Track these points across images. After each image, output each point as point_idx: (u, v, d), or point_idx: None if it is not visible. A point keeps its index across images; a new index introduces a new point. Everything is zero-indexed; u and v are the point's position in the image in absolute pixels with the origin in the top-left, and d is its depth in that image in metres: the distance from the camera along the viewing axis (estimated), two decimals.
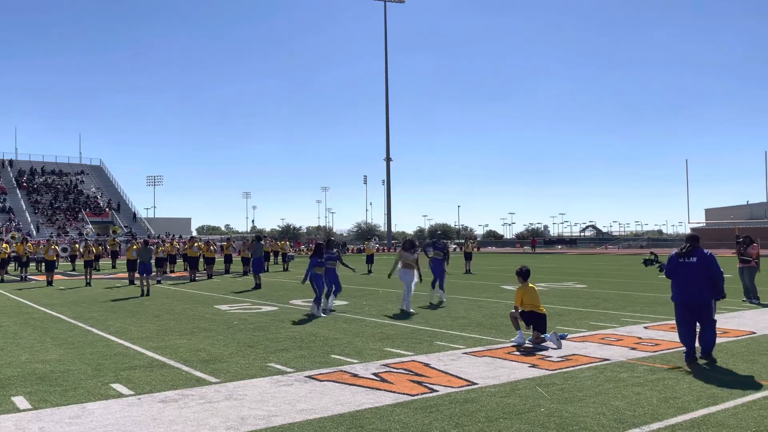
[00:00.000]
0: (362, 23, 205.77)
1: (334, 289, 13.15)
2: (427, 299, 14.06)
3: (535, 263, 35.28)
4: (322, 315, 12.07)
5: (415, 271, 13.09)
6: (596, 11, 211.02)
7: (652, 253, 9.25)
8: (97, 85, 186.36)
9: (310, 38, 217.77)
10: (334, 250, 13.86)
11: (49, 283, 21.31)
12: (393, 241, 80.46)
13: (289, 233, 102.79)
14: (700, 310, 7.51)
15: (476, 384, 6.40)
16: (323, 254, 12.84)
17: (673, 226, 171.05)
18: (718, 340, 8.09)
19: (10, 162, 73.79)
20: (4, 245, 25.11)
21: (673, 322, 10.69)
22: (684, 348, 7.65)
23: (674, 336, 9.28)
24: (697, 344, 7.56)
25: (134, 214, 71.18)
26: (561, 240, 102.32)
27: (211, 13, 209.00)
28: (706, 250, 7.68)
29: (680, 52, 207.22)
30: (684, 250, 7.67)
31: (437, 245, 14.89)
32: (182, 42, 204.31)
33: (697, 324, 7.62)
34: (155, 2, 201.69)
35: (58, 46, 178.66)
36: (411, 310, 12.51)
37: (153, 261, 19.03)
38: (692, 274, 7.51)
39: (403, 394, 6.01)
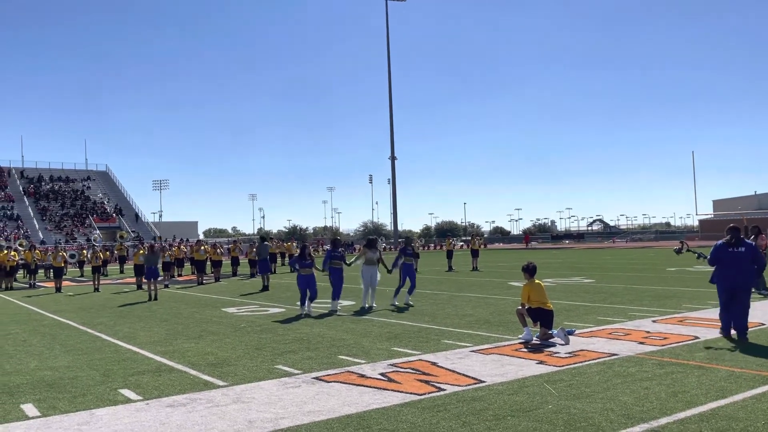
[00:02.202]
0: (365, 23, 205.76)
1: (333, 291, 13.12)
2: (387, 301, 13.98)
3: (544, 259, 35.19)
4: (304, 314, 12.34)
5: (376, 269, 13.46)
6: (600, 3, 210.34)
7: (682, 242, 10.41)
8: (102, 91, 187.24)
9: (314, 40, 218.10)
10: (340, 249, 13.84)
11: (58, 289, 21.42)
12: (399, 240, 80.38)
13: (295, 234, 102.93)
14: (744, 293, 8.47)
15: (484, 382, 6.39)
16: (307, 257, 12.98)
17: (681, 218, 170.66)
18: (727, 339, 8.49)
19: (21, 172, 74.31)
20: (13, 253, 25.26)
21: (681, 315, 10.75)
22: (721, 325, 8.64)
23: (682, 329, 9.26)
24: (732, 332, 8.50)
25: (136, 215, 71.43)
26: (568, 235, 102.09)
27: (214, 19, 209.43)
28: (748, 241, 8.93)
29: (686, 43, 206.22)
30: (733, 241, 8.58)
31: (407, 251, 14.54)
32: (187, 47, 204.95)
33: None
34: (161, 9, 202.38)
35: (61, 54, 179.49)
36: (374, 305, 13.20)
37: (160, 265, 19.10)
38: (741, 262, 8.50)
39: (411, 393, 6.00)
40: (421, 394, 5.95)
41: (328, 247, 14.11)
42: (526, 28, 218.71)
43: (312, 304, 12.79)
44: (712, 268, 9.03)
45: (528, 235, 77.96)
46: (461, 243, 69.79)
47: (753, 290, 13.54)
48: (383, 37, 77.22)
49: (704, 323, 9.74)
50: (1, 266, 23.67)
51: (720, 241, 8.80)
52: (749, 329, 8.72)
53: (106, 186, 77.58)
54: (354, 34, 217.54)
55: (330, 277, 13.18)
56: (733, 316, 8.47)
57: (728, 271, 8.56)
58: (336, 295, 13.09)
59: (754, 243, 8.79)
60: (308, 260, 12.91)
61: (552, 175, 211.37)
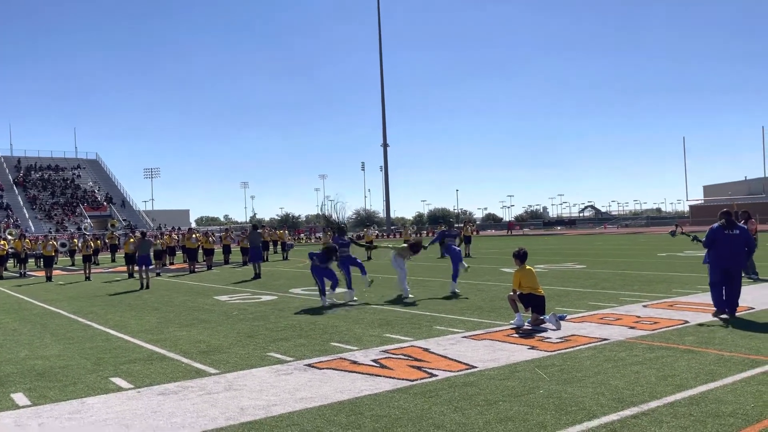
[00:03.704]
0: (358, 10, 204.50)
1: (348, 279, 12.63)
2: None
3: (536, 245, 35.31)
4: (328, 303, 11.80)
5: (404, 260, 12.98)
6: None
7: (676, 225, 11.35)
8: (91, 78, 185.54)
9: (306, 26, 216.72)
10: (346, 237, 13.40)
11: (48, 278, 21.31)
12: (392, 227, 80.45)
13: (288, 222, 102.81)
14: (737, 273, 9.05)
15: (475, 367, 6.41)
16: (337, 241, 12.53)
17: (671, 203, 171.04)
18: (719, 317, 8.84)
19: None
20: (2, 242, 25.08)
21: (672, 300, 10.83)
22: (714, 304, 9.08)
23: (672, 314, 9.32)
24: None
25: (123, 201, 71.00)
26: (560, 221, 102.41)
27: (205, 6, 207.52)
28: (741, 224, 9.50)
29: (676, 30, 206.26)
30: (728, 224, 9.13)
31: (449, 234, 14.13)
32: (177, 34, 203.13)
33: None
34: None
35: (49, 41, 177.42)
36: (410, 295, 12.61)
37: (152, 253, 19.02)
38: (736, 244, 9.05)
39: (403, 379, 6.01)
40: (413, 380, 5.96)
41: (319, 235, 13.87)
42: (520, 14, 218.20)
43: (300, 291, 12.52)
44: (703, 252, 9.55)
45: (511, 222, 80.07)
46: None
47: (743, 275, 13.72)
48: (376, 23, 76.49)
49: (694, 308, 9.81)
50: None
51: (716, 224, 9.30)
52: (739, 313, 8.98)
53: (97, 174, 77.06)
54: (347, 22, 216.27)
55: (340, 266, 12.67)
56: (727, 294, 8.98)
57: (723, 253, 9.07)
58: (349, 284, 12.55)
59: (745, 226, 9.58)
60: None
61: (544, 162, 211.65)
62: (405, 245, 13.32)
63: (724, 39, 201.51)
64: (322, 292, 11.99)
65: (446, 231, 14.52)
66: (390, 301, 12.13)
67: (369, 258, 26.40)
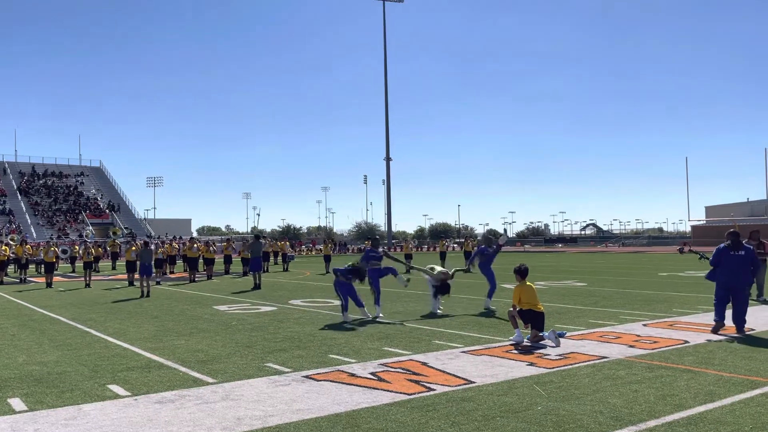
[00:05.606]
0: (361, 23, 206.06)
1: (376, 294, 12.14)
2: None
3: (537, 262, 35.25)
4: (350, 319, 11.28)
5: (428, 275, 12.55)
6: (595, 9, 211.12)
7: (684, 243, 12.41)
8: (97, 86, 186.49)
9: (310, 38, 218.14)
10: (380, 249, 12.73)
11: (49, 284, 21.30)
12: (393, 241, 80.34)
13: (289, 233, 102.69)
14: (743, 291, 9.42)
15: (474, 383, 6.39)
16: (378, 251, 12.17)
17: (673, 223, 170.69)
18: (718, 338, 8.88)
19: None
20: (4, 247, 25.09)
21: (672, 319, 10.82)
22: (716, 319, 9.34)
23: (672, 333, 9.30)
24: (731, 323, 9.33)
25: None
26: (561, 238, 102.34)
27: (209, 15, 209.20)
28: (747, 245, 9.78)
29: (679, 50, 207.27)
30: (734, 244, 9.47)
31: (486, 250, 13.45)
32: (181, 43, 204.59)
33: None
34: (154, 5, 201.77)
35: (56, 48, 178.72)
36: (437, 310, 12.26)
37: (152, 262, 19.02)
38: (741, 263, 9.40)
39: (401, 393, 6.00)
40: (410, 394, 5.94)
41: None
42: (523, 32, 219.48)
43: (299, 302, 12.29)
44: (706, 271, 9.96)
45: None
46: (454, 245, 69.93)
47: (752, 298, 13.63)
48: (380, 36, 76.69)
49: (694, 328, 9.78)
50: None
51: (722, 245, 9.68)
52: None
53: (100, 182, 77.24)
54: (351, 34, 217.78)
55: (370, 281, 12.10)
56: (734, 312, 9.31)
57: (728, 272, 9.45)
58: (377, 300, 12.07)
59: (751, 247, 9.82)
60: (379, 254, 11.87)
61: (546, 179, 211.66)
62: (438, 274, 12.43)
63: (728, 60, 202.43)
64: (344, 308, 11.43)
65: (484, 248, 13.68)
66: (389, 314, 12.08)
67: None
